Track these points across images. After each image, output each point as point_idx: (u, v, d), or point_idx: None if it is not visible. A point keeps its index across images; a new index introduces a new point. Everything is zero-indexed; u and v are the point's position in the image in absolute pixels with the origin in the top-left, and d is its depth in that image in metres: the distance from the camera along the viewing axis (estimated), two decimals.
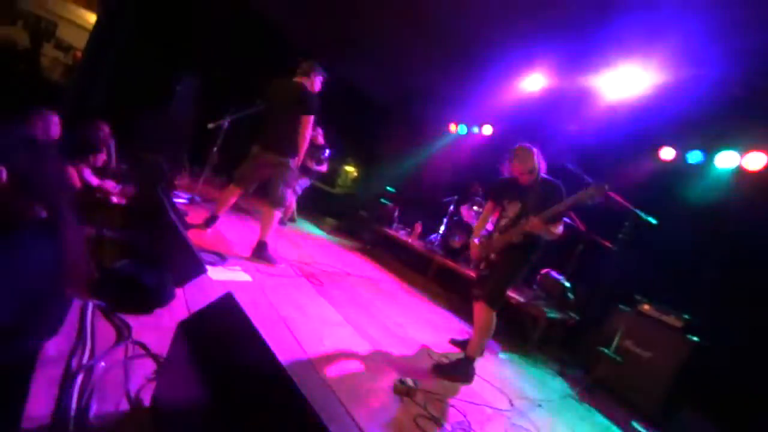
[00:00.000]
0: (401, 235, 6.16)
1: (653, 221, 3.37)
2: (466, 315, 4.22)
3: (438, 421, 1.84)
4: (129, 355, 1.39)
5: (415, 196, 7.39)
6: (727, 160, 4.01)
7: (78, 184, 3.08)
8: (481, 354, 2.53)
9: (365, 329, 2.63)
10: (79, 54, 7.50)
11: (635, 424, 2.73)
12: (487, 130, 6.74)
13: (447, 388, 2.29)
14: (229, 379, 0.94)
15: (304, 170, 5.22)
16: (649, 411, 3.14)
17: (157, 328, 1.62)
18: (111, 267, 1.75)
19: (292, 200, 5.22)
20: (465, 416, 2.02)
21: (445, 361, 2.58)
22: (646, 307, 3.53)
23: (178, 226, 1.91)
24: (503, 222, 2.63)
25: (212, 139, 4.49)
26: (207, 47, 6.13)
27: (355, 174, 9.52)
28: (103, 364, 1.29)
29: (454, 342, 3.10)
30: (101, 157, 3.48)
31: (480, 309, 2.54)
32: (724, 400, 3.22)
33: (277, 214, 3.27)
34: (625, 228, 3.51)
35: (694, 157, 4.28)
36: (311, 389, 1.67)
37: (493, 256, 2.60)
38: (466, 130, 7.13)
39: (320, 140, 5.32)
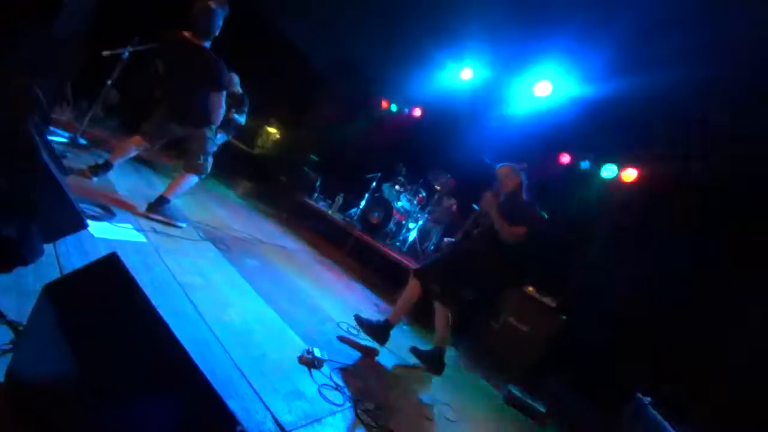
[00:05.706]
0: (321, 206, 6.05)
1: (545, 216, 3.84)
2: (379, 289, 4.38)
3: (342, 390, 1.90)
4: None
5: (339, 167, 7.26)
6: (609, 171, 4.77)
7: None
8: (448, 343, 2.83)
9: (274, 299, 2.54)
10: None
11: (511, 387, 3.18)
12: (417, 112, 6.87)
13: (352, 357, 2.37)
14: (109, 351, 0.82)
15: (224, 123, 4.70)
16: (523, 376, 3.69)
17: (18, 291, 1.35)
18: None
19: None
20: (367, 383, 2.11)
21: (355, 332, 2.67)
22: (530, 289, 4.06)
23: (50, 167, 1.57)
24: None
25: (107, 70, 3.76)
26: None
27: (278, 136, 8.95)
28: None
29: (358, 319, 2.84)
30: None
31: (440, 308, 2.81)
32: (583, 367, 3.98)
33: (194, 178, 2.93)
34: None
35: (586, 165, 4.97)
36: (211, 362, 1.57)
37: (475, 231, 2.84)
38: (397, 109, 7.17)
39: (236, 89, 4.67)
